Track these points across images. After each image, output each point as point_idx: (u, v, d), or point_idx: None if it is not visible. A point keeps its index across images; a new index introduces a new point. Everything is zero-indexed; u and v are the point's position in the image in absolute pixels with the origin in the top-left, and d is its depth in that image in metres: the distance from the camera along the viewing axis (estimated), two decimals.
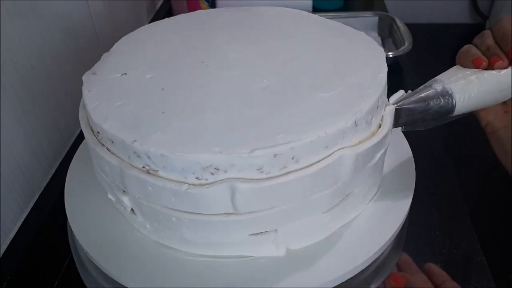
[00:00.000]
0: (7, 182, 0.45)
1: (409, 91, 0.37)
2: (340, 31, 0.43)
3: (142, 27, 0.46)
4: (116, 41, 0.44)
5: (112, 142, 0.33)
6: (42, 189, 0.51)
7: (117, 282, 0.35)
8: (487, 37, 0.37)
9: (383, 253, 0.37)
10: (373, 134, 0.35)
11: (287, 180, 0.31)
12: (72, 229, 0.39)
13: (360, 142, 0.34)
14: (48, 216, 0.48)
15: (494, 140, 0.40)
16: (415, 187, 0.41)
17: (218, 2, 0.92)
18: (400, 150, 0.45)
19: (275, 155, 0.30)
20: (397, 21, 0.87)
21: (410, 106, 0.36)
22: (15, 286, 0.42)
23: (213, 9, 0.48)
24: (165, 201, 0.33)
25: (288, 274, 0.34)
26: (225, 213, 0.32)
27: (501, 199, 0.50)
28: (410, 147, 0.45)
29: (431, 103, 0.35)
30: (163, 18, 0.47)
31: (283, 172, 0.31)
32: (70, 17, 0.58)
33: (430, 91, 0.36)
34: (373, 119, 0.34)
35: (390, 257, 0.39)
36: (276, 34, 0.43)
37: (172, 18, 0.48)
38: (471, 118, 0.41)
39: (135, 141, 0.31)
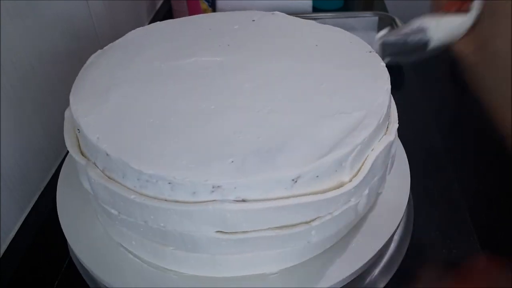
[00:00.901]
0: (7, 182, 0.45)
1: (393, 29, 0.44)
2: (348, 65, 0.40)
3: (132, 31, 0.45)
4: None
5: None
6: (42, 189, 0.51)
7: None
8: None
9: (388, 250, 0.37)
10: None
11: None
12: (64, 232, 0.39)
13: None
14: (48, 216, 0.48)
15: (465, 67, 0.45)
16: (413, 185, 0.41)
17: (218, 2, 0.92)
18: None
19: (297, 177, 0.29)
20: (397, 21, 0.87)
21: (393, 39, 0.43)
22: (15, 286, 0.42)
23: (208, 14, 0.48)
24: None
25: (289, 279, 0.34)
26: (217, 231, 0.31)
27: (499, 193, 0.50)
28: (407, 143, 0.45)
29: (410, 37, 0.43)
30: (163, 18, 0.47)
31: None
32: (70, 17, 0.58)
33: (409, 28, 0.43)
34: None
35: (396, 253, 0.39)
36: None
37: (163, 22, 0.47)
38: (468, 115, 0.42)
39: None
